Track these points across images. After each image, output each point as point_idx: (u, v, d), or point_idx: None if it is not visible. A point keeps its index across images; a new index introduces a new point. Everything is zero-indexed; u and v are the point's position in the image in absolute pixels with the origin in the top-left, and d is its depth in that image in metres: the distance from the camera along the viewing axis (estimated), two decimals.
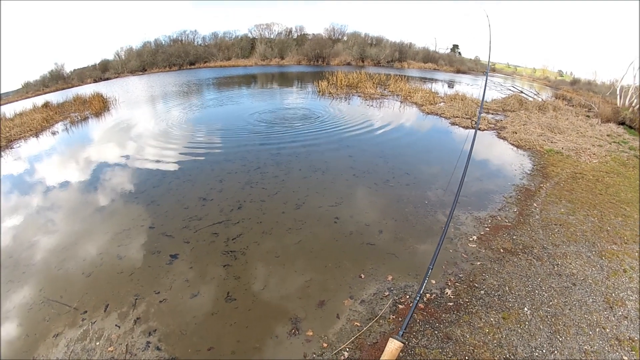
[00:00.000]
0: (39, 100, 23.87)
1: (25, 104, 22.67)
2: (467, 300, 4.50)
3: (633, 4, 36.92)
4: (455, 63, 48.38)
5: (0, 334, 4.18)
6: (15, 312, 4.61)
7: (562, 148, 10.72)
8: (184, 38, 50.79)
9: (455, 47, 55.35)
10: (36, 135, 15.10)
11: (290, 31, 53.60)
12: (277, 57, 49.36)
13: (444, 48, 54.69)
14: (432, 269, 3.15)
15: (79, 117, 18.01)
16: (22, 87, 38.35)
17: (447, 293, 4.63)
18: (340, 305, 4.46)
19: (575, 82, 36.25)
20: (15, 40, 54.72)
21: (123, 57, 46.44)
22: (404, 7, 76.05)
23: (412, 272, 5.04)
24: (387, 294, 4.64)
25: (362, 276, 4.98)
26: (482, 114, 15.05)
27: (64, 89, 35.93)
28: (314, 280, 4.92)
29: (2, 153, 12.53)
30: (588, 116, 16.29)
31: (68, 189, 8.56)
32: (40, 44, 61.20)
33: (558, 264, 5.20)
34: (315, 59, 46.38)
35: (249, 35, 52.98)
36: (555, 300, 4.46)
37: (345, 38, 52.14)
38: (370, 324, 4.13)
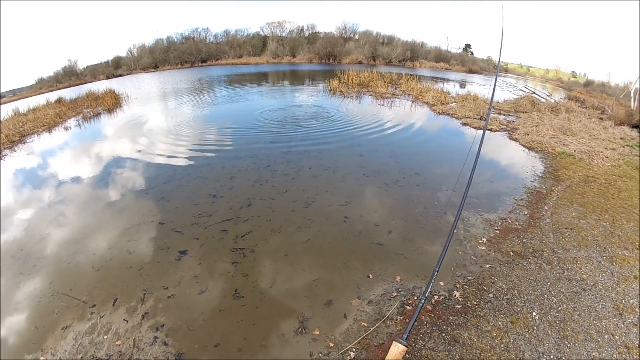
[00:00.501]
0: (52, 96, 24.22)
1: (39, 100, 23.00)
2: (475, 303, 4.47)
3: None
4: (468, 63, 47.95)
5: (0, 334, 4.24)
6: (25, 304, 4.69)
7: (575, 151, 10.59)
8: (196, 35, 51.18)
9: (468, 46, 54.87)
10: (49, 130, 15.32)
11: (302, 29, 53.70)
12: (289, 55, 49.46)
13: (456, 47, 54.25)
14: (438, 271, 3.12)
15: (91, 113, 18.23)
16: (35, 83, 38.99)
17: (455, 295, 4.61)
18: (348, 305, 4.46)
19: (588, 83, 35.77)
20: (30, 37, 55.51)
21: (135, 54, 46.98)
22: (416, 5, 75.74)
23: (421, 274, 5.02)
24: (395, 294, 4.63)
25: (370, 276, 4.97)
26: (494, 115, 14.94)
27: (76, 85, 36.43)
28: (322, 279, 4.93)
29: (16, 147, 12.71)
30: (601, 119, 16.05)
31: (79, 183, 8.67)
32: (54, 41, 62.11)
33: (568, 268, 5.14)
34: (326, 58, 46.36)
35: (261, 33, 53.24)
36: (565, 306, 4.41)
37: (356, 37, 52.02)
38: (377, 324, 4.12)
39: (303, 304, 4.46)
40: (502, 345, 3.81)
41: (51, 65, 60.11)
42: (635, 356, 3.70)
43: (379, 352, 3.74)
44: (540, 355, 3.71)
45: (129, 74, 43.35)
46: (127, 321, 4.28)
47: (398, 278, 4.93)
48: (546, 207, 6.99)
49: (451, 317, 4.23)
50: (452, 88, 25.07)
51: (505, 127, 13.64)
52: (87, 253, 5.70)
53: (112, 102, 20.12)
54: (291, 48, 49.89)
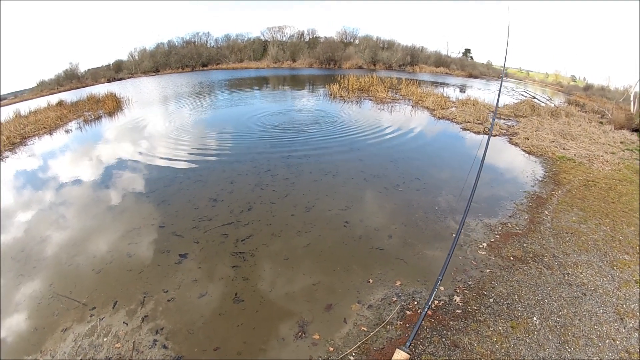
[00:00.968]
0: (54, 98, 24.24)
1: (40, 102, 23.05)
2: (475, 308, 4.46)
3: None
4: (467, 67, 48.08)
5: (0, 334, 4.24)
6: (25, 306, 4.69)
7: (575, 155, 10.60)
8: (196, 40, 51.31)
9: (467, 51, 55.03)
10: (50, 132, 15.34)
11: (303, 34, 53.87)
12: (289, 60, 49.56)
13: (455, 52, 54.41)
14: (441, 280, 3.13)
15: (92, 116, 18.28)
16: (37, 86, 39.05)
17: (455, 300, 4.60)
18: (348, 309, 4.45)
19: (588, 87, 35.82)
20: (32, 40, 55.71)
21: (136, 57, 47.07)
22: (416, 6, 75.92)
23: (421, 278, 5.01)
24: (395, 299, 4.62)
25: (371, 281, 4.96)
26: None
27: (78, 88, 36.59)
28: (322, 283, 4.92)
29: (17, 149, 12.73)
30: (601, 123, 16.08)
31: (80, 186, 8.67)
32: (56, 44, 62.32)
33: (569, 273, 5.13)
34: (326, 62, 46.42)
35: (261, 37, 53.41)
36: (565, 310, 4.40)
37: (357, 41, 52.15)
38: (377, 329, 4.12)
39: (303, 308, 4.46)
40: (503, 350, 3.80)
41: (53, 68, 60.37)
42: None
43: (378, 356, 3.74)
44: None
45: (130, 77, 43.39)
46: (126, 324, 4.28)
47: (398, 283, 4.93)
48: (546, 212, 6.99)
49: (451, 322, 4.22)
50: (452, 93, 25.10)
51: (505, 131, 13.66)
52: (87, 255, 5.70)
53: (113, 105, 20.19)
54: (292, 53, 49.99)
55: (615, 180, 8.70)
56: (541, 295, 4.67)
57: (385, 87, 23.56)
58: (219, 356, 3.81)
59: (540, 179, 8.70)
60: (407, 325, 4.18)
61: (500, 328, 4.12)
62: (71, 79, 40.13)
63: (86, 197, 7.98)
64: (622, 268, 5.23)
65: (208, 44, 51.95)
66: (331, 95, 21.58)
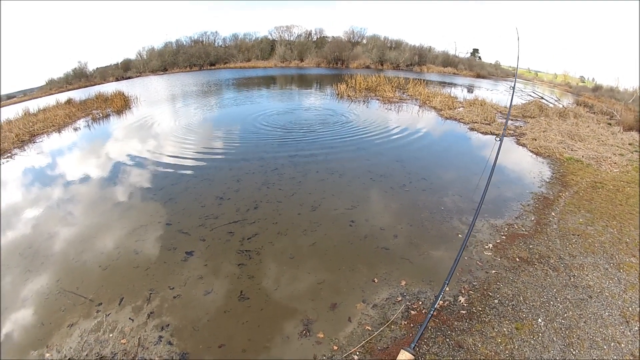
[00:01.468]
0: (62, 97, 24.45)
1: (49, 100, 23.27)
2: (480, 309, 4.45)
3: None
4: (475, 67, 47.70)
5: (0, 334, 4.28)
6: (32, 301, 4.75)
7: (582, 156, 10.52)
8: (204, 39, 51.42)
9: (475, 51, 54.64)
10: (59, 130, 15.50)
11: (310, 33, 53.79)
12: (297, 59, 49.55)
13: (463, 52, 53.97)
14: (447, 283, 3.13)
15: (100, 114, 18.44)
16: (46, 84, 39.41)
17: (460, 301, 4.60)
18: (352, 308, 4.46)
19: (597, 88, 35.38)
20: (41, 38, 56.23)
21: (145, 56, 47.35)
22: (423, 9, 75.53)
23: (426, 279, 5.01)
24: (399, 299, 4.62)
25: (376, 280, 4.97)
26: (501, 120, 14.89)
27: (86, 86, 36.82)
28: (327, 282, 4.94)
29: (26, 147, 12.87)
30: (609, 124, 15.90)
31: (88, 183, 8.76)
32: (64, 43, 62.82)
33: (574, 275, 5.10)
34: (334, 62, 46.35)
35: (269, 37, 53.39)
36: (570, 313, 4.38)
37: (364, 41, 51.94)
38: (381, 328, 4.12)
39: (308, 307, 4.48)
40: (507, 352, 3.79)
41: (61, 67, 60.85)
42: None
43: (382, 356, 3.75)
44: None
45: (138, 76, 43.65)
46: (132, 320, 4.32)
47: (403, 282, 4.93)
48: (553, 213, 6.95)
49: (456, 323, 4.21)
50: (460, 93, 24.95)
51: (512, 132, 13.57)
52: (94, 252, 5.76)
53: (121, 103, 20.33)
54: (299, 52, 49.97)
55: (623, 182, 8.62)
56: (546, 297, 4.65)
57: (392, 87, 23.48)
58: (223, 353, 3.84)
59: (547, 180, 8.64)
60: (412, 325, 4.18)
61: (504, 329, 4.11)
62: (80, 77, 40.47)
63: (93, 195, 8.06)
64: (629, 271, 5.18)
65: (216, 43, 52.07)
66: (338, 94, 21.56)
